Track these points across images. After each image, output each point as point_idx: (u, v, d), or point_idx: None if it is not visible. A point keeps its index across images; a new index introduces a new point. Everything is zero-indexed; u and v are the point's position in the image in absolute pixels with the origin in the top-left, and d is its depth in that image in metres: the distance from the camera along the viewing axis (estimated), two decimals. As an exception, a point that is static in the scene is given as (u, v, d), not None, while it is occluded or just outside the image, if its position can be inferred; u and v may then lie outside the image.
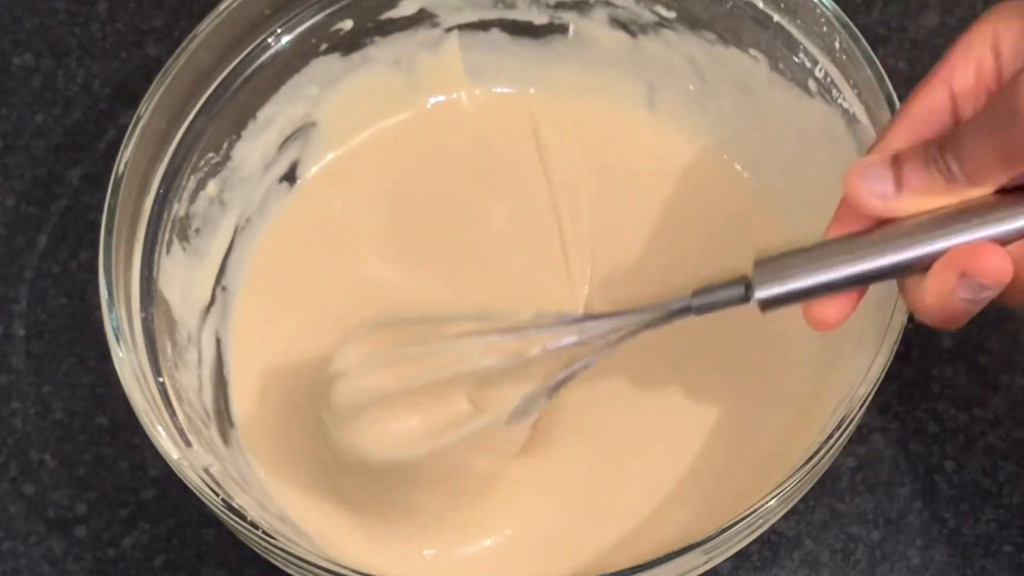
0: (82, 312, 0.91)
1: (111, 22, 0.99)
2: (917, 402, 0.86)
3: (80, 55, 0.98)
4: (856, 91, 0.80)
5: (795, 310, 0.71)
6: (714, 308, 0.73)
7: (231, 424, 0.83)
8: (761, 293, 0.70)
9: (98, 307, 0.76)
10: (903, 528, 0.83)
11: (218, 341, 0.85)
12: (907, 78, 0.93)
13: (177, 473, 0.73)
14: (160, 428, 0.74)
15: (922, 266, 0.67)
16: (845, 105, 0.81)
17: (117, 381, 0.75)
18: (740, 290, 0.72)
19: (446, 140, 0.91)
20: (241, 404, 0.84)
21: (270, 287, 0.87)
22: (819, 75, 0.82)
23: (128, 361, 0.75)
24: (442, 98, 0.92)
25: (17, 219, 0.93)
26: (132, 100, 0.90)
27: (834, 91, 0.81)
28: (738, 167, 0.89)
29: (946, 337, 0.87)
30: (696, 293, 0.73)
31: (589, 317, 0.77)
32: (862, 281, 0.69)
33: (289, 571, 0.73)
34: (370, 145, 0.91)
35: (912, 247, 0.67)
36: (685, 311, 0.73)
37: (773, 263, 0.71)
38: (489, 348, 0.76)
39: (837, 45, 0.80)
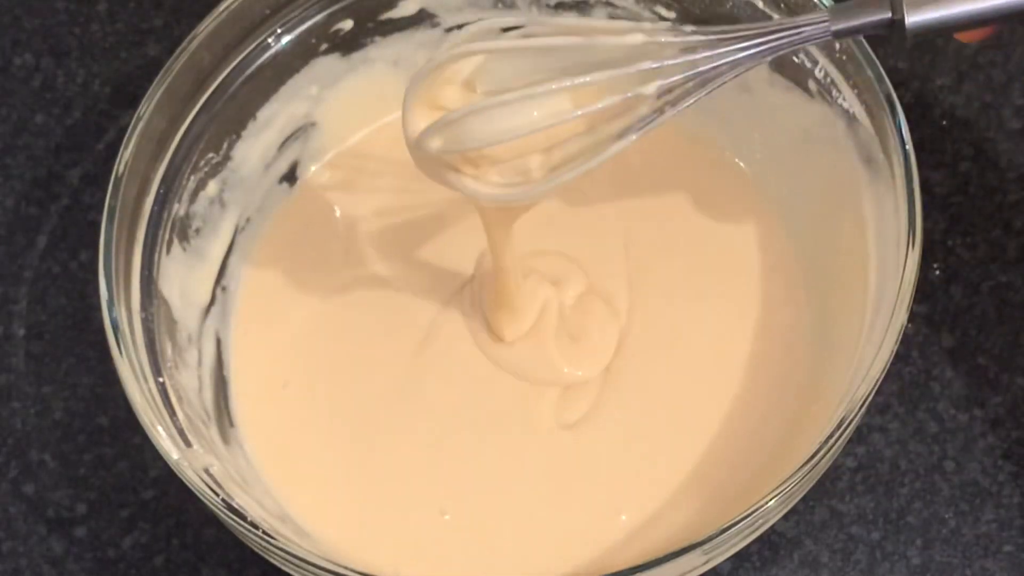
0: (82, 312, 0.91)
1: (111, 22, 0.99)
2: (917, 402, 0.86)
3: (80, 55, 0.98)
4: (856, 91, 0.79)
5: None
6: (855, 33, 0.69)
7: (231, 424, 0.83)
8: (914, 18, 0.67)
9: (98, 307, 0.76)
10: (903, 528, 0.83)
11: (218, 341, 0.85)
12: (907, 78, 0.93)
13: (177, 473, 0.73)
14: (160, 428, 0.74)
15: None
16: (845, 105, 0.81)
17: (117, 381, 0.75)
18: (885, 14, 0.68)
19: None
20: (241, 404, 0.84)
21: (270, 287, 0.88)
22: (819, 75, 0.82)
23: (128, 361, 0.75)
24: None
25: (17, 219, 0.94)
26: (132, 100, 0.91)
27: (834, 91, 0.81)
28: (740, 163, 0.89)
29: (946, 337, 0.87)
30: (835, 14, 0.69)
31: (712, 39, 0.71)
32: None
33: (289, 571, 0.73)
34: (370, 143, 0.91)
35: None
36: (822, 35, 0.69)
37: None
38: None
39: (837, 45, 0.80)
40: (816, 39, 0.70)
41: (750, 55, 0.70)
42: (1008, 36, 0.95)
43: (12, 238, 0.93)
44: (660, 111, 0.71)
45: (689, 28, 0.72)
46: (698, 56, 0.70)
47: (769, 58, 0.71)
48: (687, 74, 0.71)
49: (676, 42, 0.71)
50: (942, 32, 0.68)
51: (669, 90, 0.71)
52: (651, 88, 0.70)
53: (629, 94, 0.71)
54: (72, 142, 0.96)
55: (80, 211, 0.93)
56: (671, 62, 0.71)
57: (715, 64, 0.70)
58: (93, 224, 0.91)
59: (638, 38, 0.71)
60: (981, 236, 0.89)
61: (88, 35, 0.99)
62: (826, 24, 0.69)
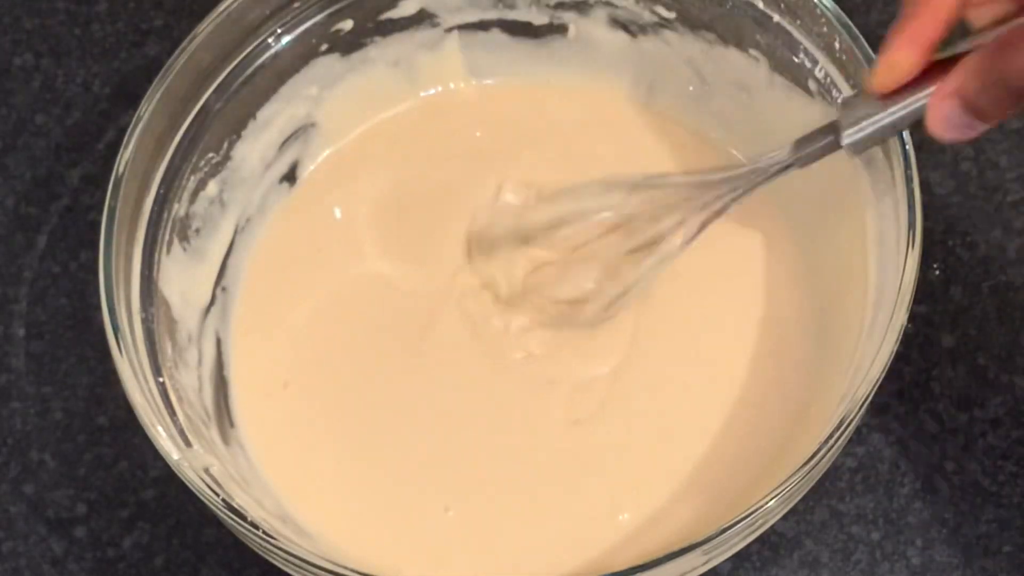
0: (82, 312, 0.91)
1: (111, 22, 0.99)
2: (917, 402, 0.86)
3: (80, 55, 0.98)
4: (856, 91, 0.79)
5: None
6: (815, 158, 0.77)
7: (231, 424, 0.83)
8: (847, 140, 0.74)
9: (98, 307, 0.76)
10: (903, 528, 0.83)
11: (218, 341, 0.85)
12: (907, 78, 0.93)
13: (177, 473, 0.73)
14: (160, 428, 0.74)
15: None
16: None
17: (117, 381, 0.75)
18: (831, 137, 0.76)
19: (445, 131, 0.92)
20: (242, 404, 0.84)
21: (270, 287, 0.88)
22: (819, 75, 0.82)
23: (128, 361, 0.75)
24: (439, 88, 0.93)
25: (17, 219, 0.94)
26: (132, 100, 0.90)
27: (834, 91, 0.81)
28: (743, 160, 0.89)
29: (946, 337, 0.87)
30: (796, 147, 0.77)
31: (687, 181, 0.81)
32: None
33: (289, 571, 0.73)
34: (369, 139, 0.91)
35: None
36: (789, 167, 0.78)
37: (854, 107, 0.74)
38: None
39: (837, 45, 0.80)
40: (785, 171, 0.78)
41: (731, 201, 0.80)
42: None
43: (12, 238, 0.93)
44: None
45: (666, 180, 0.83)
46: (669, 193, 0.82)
47: (746, 196, 0.80)
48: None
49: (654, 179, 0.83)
50: (876, 143, 0.75)
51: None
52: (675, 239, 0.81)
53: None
54: (72, 142, 0.96)
55: (80, 211, 0.93)
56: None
57: (692, 204, 0.80)
58: (93, 224, 0.91)
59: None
60: (981, 236, 0.89)
61: (88, 35, 0.99)
62: (789, 157, 0.78)
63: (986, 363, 0.87)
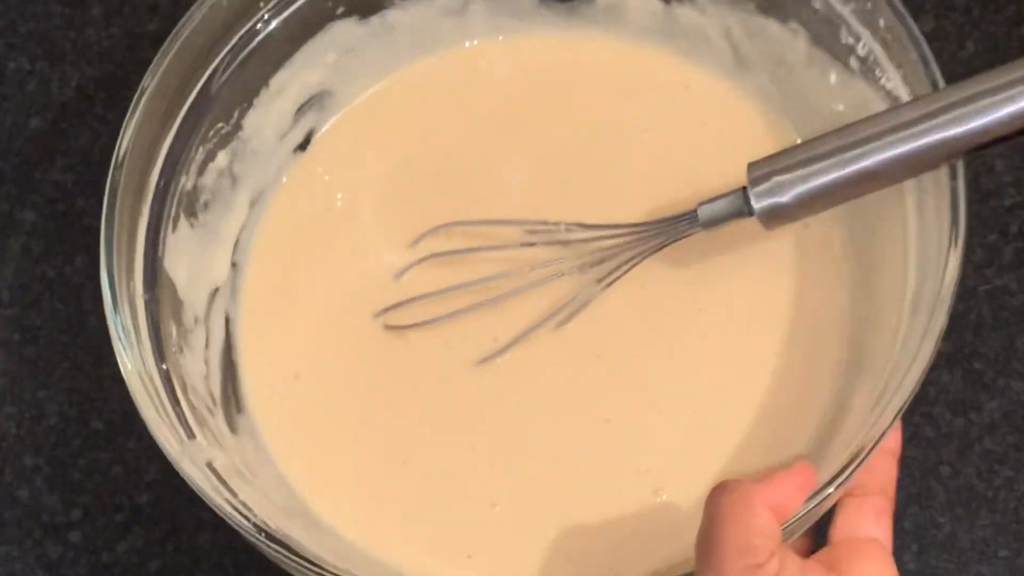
0: (77, 316, 0.90)
1: (106, 26, 0.99)
2: (913, 406, 0.86)
3: (75, 59, 0.98)
4: (901, 72, 0.77)
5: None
6: (721, 222, 0.78)
7: (239, 410, 0.81)
8: (758, 205, 0.76)
9: (93, 312, 0.76)
10: (899, 533, 0.83)
11: (227, 321, 0.83)
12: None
13: (176, 468, 0.72)
14: (161, 419, 0.73)
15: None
16: (889, 86, 0.78)
17: (112, 385, 0.75)
18: (740, 204, 0.77)
19: (466, 96, 0.89)
20: (253, 388, 0.82)
21: (283, 261, 0.85)
22: (862, 53, 0.79)
23: (127, 347, 0.74)
24: (460, 49, 0.90)
25: (11, 223, 0.93)
26: (127, 104, 0.90)
27: (877, 71, 0.79)
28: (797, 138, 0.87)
29: (942, 342, 0.87)
30: (702, 211, 0.78)
31: (593, 235, 0.82)
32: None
33: (290, 571, 0.72)
34: (385, 104, 0.89)
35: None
36: (695, 228, 0.79)
37: (763, 173, 0.75)
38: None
39: (882, 23, 0.78)
40: (690, 234, 0.79)
41: (639, 254, 0.81)
42: (1004, 42, 0.95)
43: (6, 242, 0.93)
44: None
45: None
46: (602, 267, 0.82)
47: (651, 255, 0.81)
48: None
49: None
50: (791, 218, 0.76)
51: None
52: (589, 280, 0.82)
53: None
54: (67, 146, 0.95)
55: (75, 215, 0.93)
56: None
57: (593, 258, 0.82)
58: (88, 228, 0.92)
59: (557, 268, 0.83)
60: (977, 240, 0.90)
61: (83, 39, 0.99)
62: (697, 225, 0.79)
63: (982, 367, 0.87)
